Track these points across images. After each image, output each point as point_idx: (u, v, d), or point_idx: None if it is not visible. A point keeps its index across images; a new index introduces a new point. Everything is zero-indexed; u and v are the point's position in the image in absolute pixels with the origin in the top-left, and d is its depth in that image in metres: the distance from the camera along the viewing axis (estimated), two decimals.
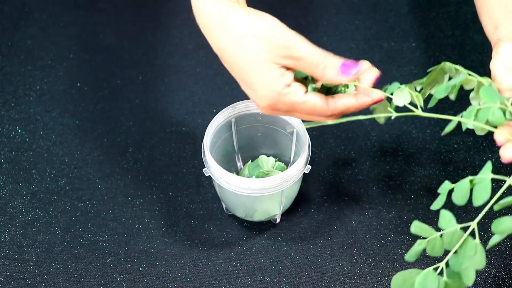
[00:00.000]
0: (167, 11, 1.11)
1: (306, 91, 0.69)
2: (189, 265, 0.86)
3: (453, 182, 0.92)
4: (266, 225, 0.89)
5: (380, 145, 0.96)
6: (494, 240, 0.64)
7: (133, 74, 1.04)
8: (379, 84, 0.73)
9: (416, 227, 0.64)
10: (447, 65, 0.76)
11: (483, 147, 0.95)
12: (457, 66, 0.75)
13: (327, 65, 0.68)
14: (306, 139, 0.83)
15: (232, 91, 1.02)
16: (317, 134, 0.97)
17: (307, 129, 0.84)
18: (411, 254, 0.64)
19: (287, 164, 0.91)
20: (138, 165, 0.94)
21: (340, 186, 0.92)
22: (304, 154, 0.82)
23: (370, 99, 0.71)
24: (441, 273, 0.63)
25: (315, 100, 0.69)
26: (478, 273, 0.84)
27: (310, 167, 0.83)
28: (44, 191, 0.92)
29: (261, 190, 0.80)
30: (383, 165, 0.94)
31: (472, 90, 0.75)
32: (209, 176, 0.83)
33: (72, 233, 0.89)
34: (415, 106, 0.73)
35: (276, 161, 0.90)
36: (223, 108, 0.86)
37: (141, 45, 1.07)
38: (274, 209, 0.86)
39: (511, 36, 0.73)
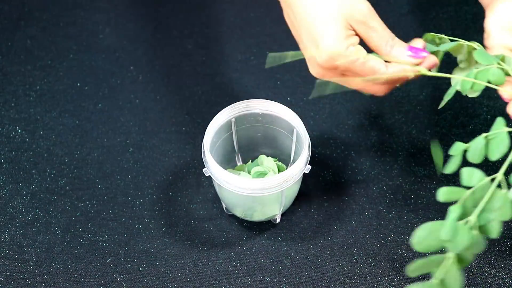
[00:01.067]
0: (167, 11, 1.11)
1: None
2: (189, 265, 0.86)
3: (453, 182, 0.92)
4: (266, 225, 0.89)
5: (380, 145, 0.96)
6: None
7: (133, 74, 1.04)
8: None
9: (445, 193, 0.62)
10: (430, 35, 0.76)
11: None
12: (441, 35, 0.76)
13: (396, 43, 0.72)
14: (306, 139, 0.83)
15: (232, 91, 1.02)
16: (317, 134, 0.97)
17: (307, 129, 0.84)
18: (450, 222, 0.61)
19: (287, 164, 0.91)
20: (138, 165, 0.94)
21: (340, 186, 0.92)
22: (304, 154, 0.82)
23: (423, 65, 0.72)
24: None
25: (376, 62, 0.71)
26: (478, 273, 0.84)
27: (310, 167, 0.83)
28: (44, 191, 0.92)
29: (261, 190, 0.80)
30: (383, 165, 0.94)
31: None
32: (209, 176, 0.83)
33: (72, 233, 0.89)
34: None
35: (276, 161, 0.90)
36: (223, 108, 0.86)
37: (141, 45, 1.07)
38: (274, 209, 0.86)
39: None
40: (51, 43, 1.07)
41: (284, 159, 0.91)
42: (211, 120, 0.85)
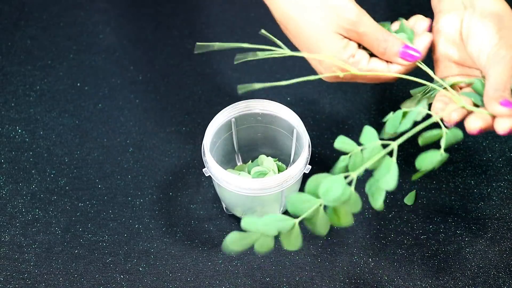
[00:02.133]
0: (167, 11, 1.11)
1: (370, 57, 0.73)
2: (189, 265, 0.86)
3: (454, 182, 0.92)
4: None
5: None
6: (417, 175, 0.65)
7: (133, 74, 1.04)
8: None
9: (340, 142, 0.65)
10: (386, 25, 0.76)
11: (483, 147, 0.95)
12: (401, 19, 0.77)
13: (388, 45, 0.72)
14: (306, 139, 0.83)
15: (232, 91, 1.02)
16: (317, 134, 0.97)
17: (307, 129, 0.84)
18: (335, 171, 0.64)
19: (287, 164, 0.91)
20: (138, 165, 0.94)
21: None
22: (304, 154, 0.82)
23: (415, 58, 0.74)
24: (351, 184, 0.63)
25: (379, 67, 0.73)
26: (478, 273, 0.84)
27: (310, 167, 0.83)
28: (44, 191, 0.92)
29: (261, 190, 0.80)
30: None
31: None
32: (209, 176, 0.83)
33: (72, 233, 0.89)
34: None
35: (276, 161, 0.90)
36: (223, 108, 0.86)
37: (141, 45, 1.07)
38: (274, 209, 0.86)
39: (451, 7, 0.75)
40: (51, 43, 1.07)
41: (284, 159, 0.91)
42: (211, 120, 0.85)
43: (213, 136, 0.85)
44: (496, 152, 0.94)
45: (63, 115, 1.00)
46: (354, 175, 0.63)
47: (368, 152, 0.64)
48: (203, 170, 0.83)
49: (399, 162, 0.94)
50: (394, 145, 0.64)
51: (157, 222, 0.89)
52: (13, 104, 1.01)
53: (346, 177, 0.63)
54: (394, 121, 0.67)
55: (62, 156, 0.96)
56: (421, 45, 0.74)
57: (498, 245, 0.87)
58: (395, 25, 0.77)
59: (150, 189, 0.92)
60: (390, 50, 0.72)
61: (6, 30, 1.09)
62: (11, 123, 0.99)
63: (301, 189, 0.90)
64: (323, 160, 0.95)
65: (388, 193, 0.91)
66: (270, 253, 0.87)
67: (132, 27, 1.09)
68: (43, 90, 1.02)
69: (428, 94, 0.76)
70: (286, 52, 0.71)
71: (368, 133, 0.65)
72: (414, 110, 0.66)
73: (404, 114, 0.67)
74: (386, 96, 1.01)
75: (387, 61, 0.74)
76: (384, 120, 0.68)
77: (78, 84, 1.03)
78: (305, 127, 0.84)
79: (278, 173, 0.87)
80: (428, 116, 0.67)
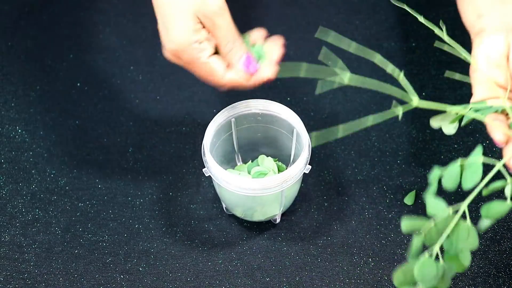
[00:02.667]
0: None
1: (213, 54, 0.73)
2: (189, 265, 0.86)
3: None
4: (266, 225, 0.89)
5: (380, 145, 0.96)
6: (484, 224, 0.64)
7: (133, 74, 1.04)
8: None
9: (407, 225, 0.64)
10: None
11: (483, 147, 0.95)
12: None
13: (235, 47, 0.74)
14: (306, 139, 0.83)
15: (232, 91, 1.01)
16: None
17: (307, 129, 0.84)
18: (413, 254, 0.64)
19: (287, 164, 0.91)
20: (138, 165, 0.94)
21: (340, 186, 0.92)
22: (304, 154, 0.82)
23: (260, 79, 0.76)
24: (437, 258, 0.63)
25: (217, 65, 0.74)
26: (478, 273, 0.84)
27: (310, 167, 0.83)
28: (44, 191, 0.92)
29: (261, 190, 0.80)
30: (383, 165, 0.94)
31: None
32: (209, 176, 0.83)
33: (72, 233, 0.89)
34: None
35: (276, 161, 0.90)
36: (223, 108, 0.86)
37: (141, 45, 1.07)
38: (274, 209, 0.86)
39: (495, 27, 0.73)
40: (51, 43, 1.07)
41: (284, 159, 0.91)
42: (211, 120, 0.85)
43: (213, 136, 0.85)
44: (496, 152, 0.94)
45: (63, 115, 1.00)
46: (436, 248, 0.63)
47: (441, 222, 0.64)
48: (203, 170, 0.83)
49: (399, 162, 0.94)
50: (463, 207, 0.64)
51: (157, 222, 0.89)
52: (13, 104, 1.01)
53: (430, 256, 0.64)
54: (452, 177, 0.65)
55: (62, 156, 0.96)
56: (264, 66, 0.75)
57: (498, 245, 0.87)
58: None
59: (150, 189, 0.92)
60: (234, 53, 0.74)
61: (6, 30, 1.09)
62: (11, 123, 0.99)
63: (301, 189, 0.90)
64: (323, 160, 0.95)
65: (388, 193, 0.91)
66: (270, 253, 0.87)
67: (132, 27, 1.09)
68: (43, 90, 1.02)
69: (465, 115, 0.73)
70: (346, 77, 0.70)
71: (434, 203, 0.64)
72: (474, 164, 0.64)
73: (462, 167, 0.65)
74: (386, 96, 1.01)
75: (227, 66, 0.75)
76: (433, 176, 0.66)
77: (78, 84, 1.03)
78: (305, 127, 0.84)
79: (278, 173, 0.87)
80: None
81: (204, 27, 0.73)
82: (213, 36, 0.73)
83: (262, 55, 0.77)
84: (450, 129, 0.74)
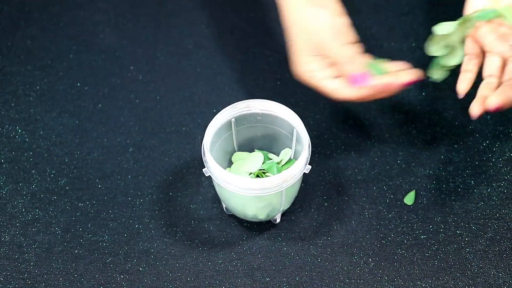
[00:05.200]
0: (167, 11, 1.11)
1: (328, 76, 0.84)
2: (189, 265, 0.86)
3: (454, 182, 0.92)
4: (266, 225, 0.89)
5: (380, 145, 0.96)
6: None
7: (133, 74, 1.04)
8: None
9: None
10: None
11: (483, 147, 0.95)
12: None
13: (345, 66, 0.84)
14: (306, 139, 0.83)
15: (232, 91, 1.02)
16: (317, 134, 0.97)
17: (307, 129, 0.84)
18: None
19: None
20: (138, 165, 0.94)
21: (340, 186, 0.92)
22: (304, 154, 0.82)
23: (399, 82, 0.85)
24: None
25: (330, 86, 0.84)
26: (478, 273, 0.84)
27: (310, 167, 0.83)
28: (44, 191, 0.92)
29: (261, 190, 0.80)
30: (383, 165, 0.94)
31: None
32: (209, 176, 0.83)
33: (72, 233, 0.89)
34: None
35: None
36: (223, 108, 0.86)
37: (141, 45, 1.07)
38: (274, 209, 0.86)
39: None
40: (51, 43, 1.07)
41: None
42: (211, 120, 0.85)
43: (213, 136, 0.85)
44: (496, 152, 0.94)
45: (63, 115, 1.00)
46: None
47: None
48: (203, 170, 0.83)
49: (399, 162, 0.94)
50: None
51: (157, 222, 0.89)
52: (13, 104, 1.01)
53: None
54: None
55: (62, 156, 0.96)
56: (377, 81, 0.83)
57: (498, 245, 0.87)
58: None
59: (150, 189, 0.92)
60: (347, 71, 0.84)
61: (6, 30, 1.09)
62: (11, 123, 0.99)
63: (301, 189, 0.90)
64: (323, 160, 0.95)
65: (388, 193, 0.91)
66: (270, 253, 0.87)
67: (132, 27, 1.09)
68: (43, 90, 1.02)
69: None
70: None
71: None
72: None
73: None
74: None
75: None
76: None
77: (78, 84, 1.03)
78: (305, 127, 0.84)
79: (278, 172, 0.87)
80: None
81: (319, 54, 0.84)
82: (329, 58, 0.84)
83: (380, 70, 0.84)
84: (438, 75, 0.88)
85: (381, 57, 1.05)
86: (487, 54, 0.84)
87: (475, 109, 0.79)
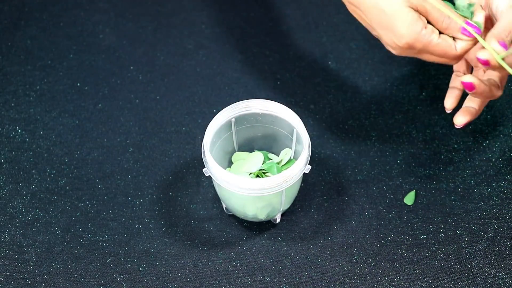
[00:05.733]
0: (167, 11, 1.11)
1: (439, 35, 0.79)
2: (189, 265, 0.86)
3: (454, 182, 0.92)
4: (266, 225, 0.89)
5: (380, 145, 0.96)
6: None
7: (133, 74, 1.04)
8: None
9: None
10: None
11: (483, 147, 0.95)
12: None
13: (452, 21, 0.78)
14: (306, 139, 0.83)
15: (232, 91, 1.02)
16: (317, 134, 0.97)
17: (307, 129, 0.84)
18: None
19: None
20: (138, 165, 0.94)
21: (340, 186, 0.92)
22: (304, 154, 0.82)
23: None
24: None
25: (447, 42, 0.78)
26: (478, 273, 0.84)
27: (310, 167, 0.83)
28: (44, 191, 0.92)
29: (261, 190, 0.80)
30: (383, 165, 0.94)
31: None
32: (209, 176, 0.83)
33: (72, 233, 0.89)
34: None
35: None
36: (223, 108, 0.86)
37: (141, 45, 1.07)
38: (274, 209, 0.86)
39: None
40: (51, 43, 1.07)
41: None
42: (211, 120, 0.85)
43: (213, 136, 0.85)
44: (496, 152, 0.94)
45: (63, 115, 1.00)
46: None
47: None
48: (203, 170, 0.83)
49: (399, 162, 0.94)
50: None
51: (157, 222, 0.90)
52: (13, 104, 1.01)
53: None
54: None
55: (62, 156, 0.96)
56: (479, 21, 0.79)
57: (498, 245, 0.87)
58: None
59: (150, 189, 0.92)
60: (453, 26, 0.78)
61: (6, 30, 1.09)
62: (11, 123, 0.99)
63: (301, 189, 0.90)
64: (323, 160, 0.95)
65: (388, 193, 0.91)
66: (270, 253, 0.87)
67: (132, 27, 1.09)
68: (43, 90, 1.02)
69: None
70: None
71: None
72: None
73: None
74: (386, 96, 1.01)
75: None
76: None
77: (78, 84, 1.03)
78: (305, 127, 0.84)
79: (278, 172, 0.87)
80: None
81: (420, 13, 0.79)
82: (429, 18, 0.78)
83: (469, 15, 0.80)
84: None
85: (381, 57, 1.05)
86: (474, 69, 0.87)
87: (459, 120, 0.85)
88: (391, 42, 0.80)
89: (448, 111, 0.87)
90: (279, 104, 0.86)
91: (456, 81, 0.88)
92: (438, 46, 0.78)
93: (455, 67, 0.89)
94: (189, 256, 0.87)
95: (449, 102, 0.87)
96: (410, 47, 0.79)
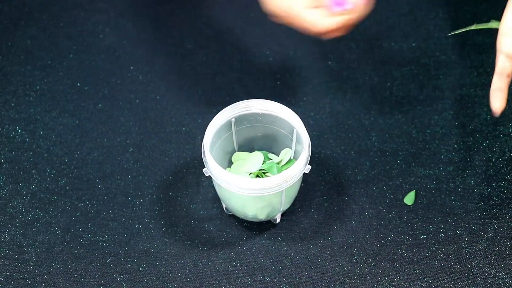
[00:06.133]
0: (167, 11, 1.11)
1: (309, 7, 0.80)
2: (189, 265, 0.86)
3: (454, 182, 0.92)
4: (266, 225, 0.89)
5: (380, 145, 0.96)
6: None
7: (133, 74, 1.04)
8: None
9: None
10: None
11: (483, 147, 0.95)
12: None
13: None
14: (306, 139, 0.83)
15: (232, 91, 1.02)
16: (317, 134, 0.97)
17: (307, 129, 0.84)
18: None
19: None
20: (138, 165, 0.94)
21: (340, 186, 0.92)
22: (304, 154, 0.82)
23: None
24: None
25: (312, 13, 0.80)
26: (478, 273, 0.84)
27: (310, 167, 0.83)
28: (44, 191, 0.92)
29: (261, 190, 0.80)
30: (383, 165, 0.94)
31: None
32: (209, 176, 0.83)
33: (72, 233, 0.89)
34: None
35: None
36: (223, 108, 0.86)
37: (141, 45, 1.07)
38: (274, 209, 0.86)
39: None
40: (51, 43, 1.07)
41: None
42: (211, 120, 0.85)
43: (213, 136, 0.85)
44: (496, 152, 0.94)
45: (63, 115, 1.00)
46: None
47: None
48: (203, 170, 0.83)
49: (399, 162, 0.94)
50: None
51: (157, 222, 0.89)
52: (13, 104, 1.01)
53: None
54: None
55: (62, 156, 0.96)
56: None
57: (498, 245, 0.87)
58: None
59: (150, 189, 0.92)
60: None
61: (6, 30, 1.09)
62: (11, 123, 0.99)
63: (301, 189, 0.90)
64: (323, 160, 0.95)
65: (388, 193, 0.91)
66: (270, 253, 0.87)
67: (132, 27, 1.09)
68: (43, 90, 1.02)
69: None
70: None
71: None
72: None
73: None
74: (386, 96, 1.01)
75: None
76: None
77: (78, 84, 1.03)
78: (305, 127, 0.84)
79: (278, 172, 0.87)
80: None
81: None
82: None
83: None
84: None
85: (381, 57, 1.05)
86: None
87: (497, 105, 0.79)
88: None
89: (497, 115, 0.81)
90: (279, 104, 0.86)
91: (501, 82, 0.81)
92: (302, 14, 0.80)
93: (497, 68, 0.81)
94: (189, 256, 0.87)
95: (497, 105, 0.80)
96: (276, 5, 0.80)
